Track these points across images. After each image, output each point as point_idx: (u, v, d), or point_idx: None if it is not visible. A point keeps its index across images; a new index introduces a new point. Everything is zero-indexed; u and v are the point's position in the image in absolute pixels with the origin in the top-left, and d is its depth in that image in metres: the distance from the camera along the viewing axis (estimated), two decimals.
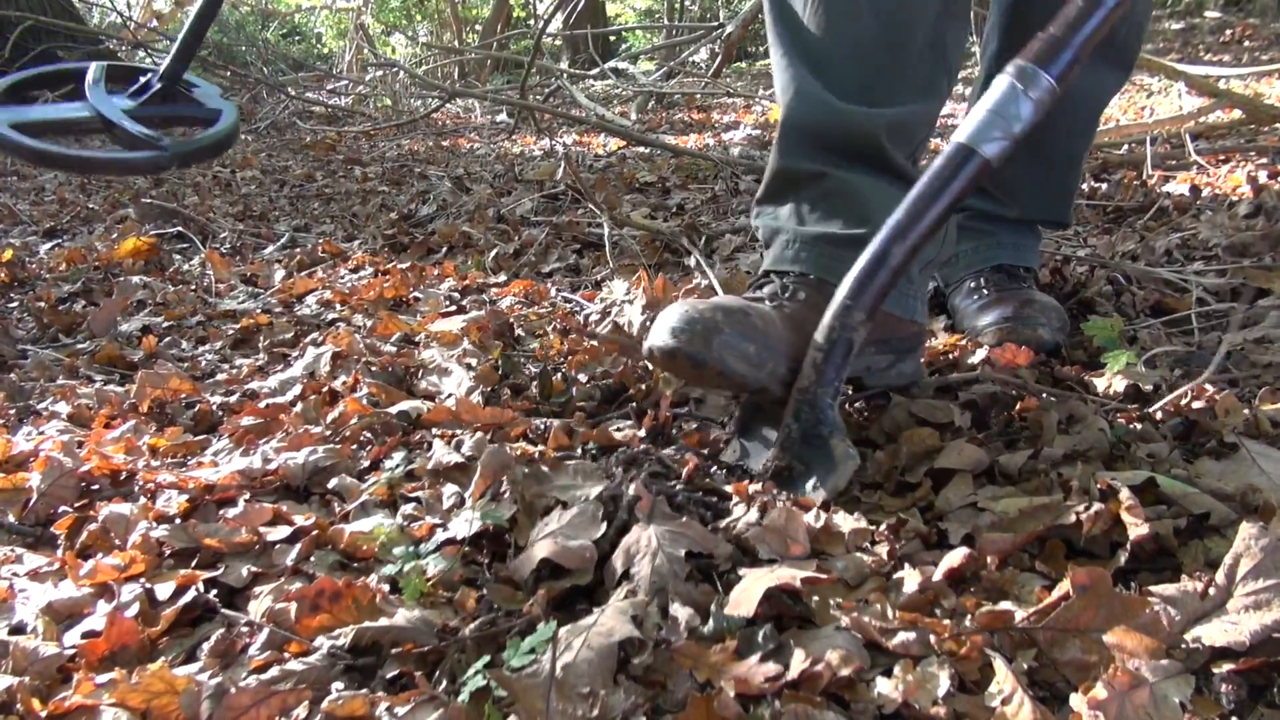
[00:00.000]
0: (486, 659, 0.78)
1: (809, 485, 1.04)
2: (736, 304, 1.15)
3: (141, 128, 1.45)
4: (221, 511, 1.09)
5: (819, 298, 1.19)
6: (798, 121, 1.27)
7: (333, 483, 1.16)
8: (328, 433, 1.30)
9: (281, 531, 1.04)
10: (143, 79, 1.60)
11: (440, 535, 1.00)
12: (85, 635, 0.86)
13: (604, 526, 0.95)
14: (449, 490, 1.10)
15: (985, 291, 1.56)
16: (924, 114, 1.30)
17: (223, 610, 0.90)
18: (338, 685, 0.78)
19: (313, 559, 1.00)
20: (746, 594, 0.83)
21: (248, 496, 1.14)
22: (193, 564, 1.00)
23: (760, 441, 1.15)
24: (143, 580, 0.95)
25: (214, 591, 0.95)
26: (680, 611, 0.82)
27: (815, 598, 0.85)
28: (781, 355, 1.12)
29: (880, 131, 1.24)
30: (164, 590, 0.93)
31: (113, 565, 0.96)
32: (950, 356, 1.44)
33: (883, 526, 0.96)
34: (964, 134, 1.06)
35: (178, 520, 1.08)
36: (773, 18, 1.29)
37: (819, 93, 1.23)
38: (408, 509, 1.08)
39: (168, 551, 1.02)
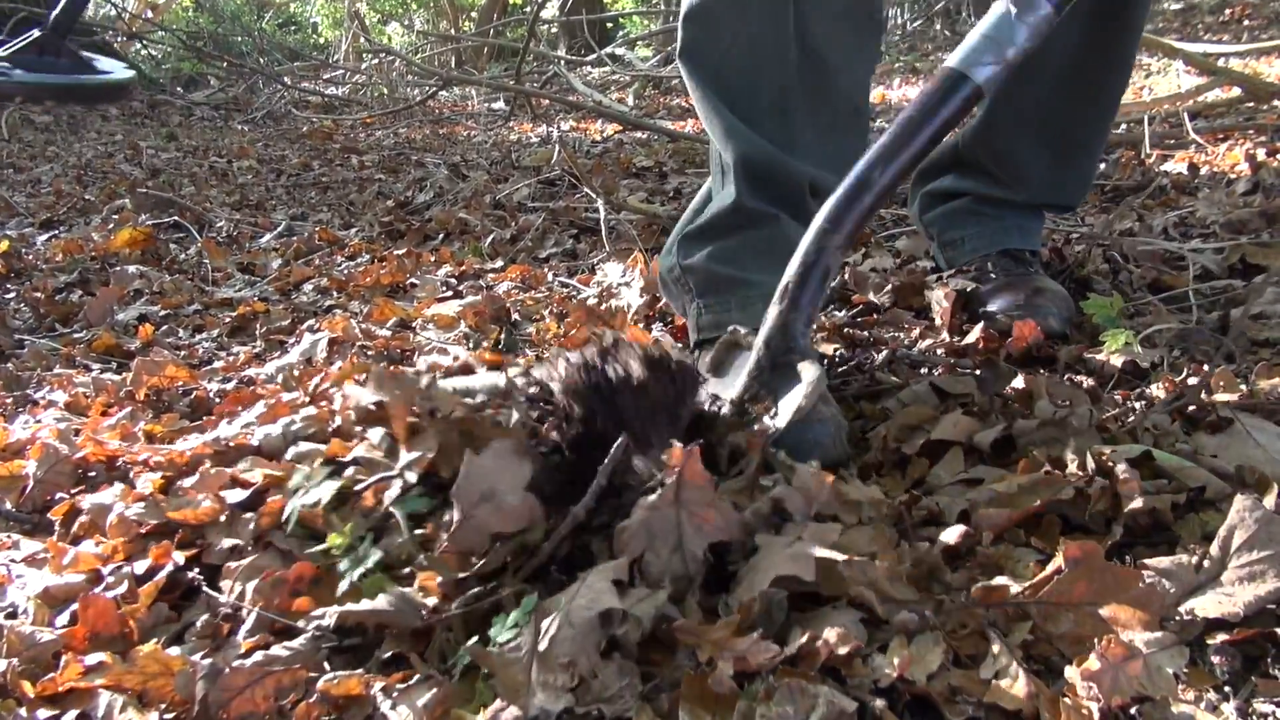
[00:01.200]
0: (475, 638, 0.78)
1: (770, 415, 0.99)
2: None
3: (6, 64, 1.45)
4: (179, 482, 1.07)
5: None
6: (750, 165, 1.28)
7: (290, 452, 1.12)
8: (306, 399, 1.28)
9: (239, 495, 1.02)
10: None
11: (392, 489, 0.96)
12: (69, 620, 0.85)
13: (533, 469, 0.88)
14: (376, 435, 1.04)
15: (993, 276, 1.56)
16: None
17: (206, 590, 0.89)
18: (333, 665, 0.78)
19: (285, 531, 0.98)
20: (758, 577, 0.82)
21: (207, 464, 1.11)
22: (173, 542, 0.99)
23: (732, 378, 1.11)
24: (124, 563, 0.94)
25: (195, 570, 0.94)
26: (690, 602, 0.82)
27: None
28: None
29: (806, 184, 1.27)
30: (139, 568, 0.92)
31: (94, 553, 0.96)
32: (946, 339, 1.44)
33: (897, 501, 0.95)
34: (956, 59, 1.03)
35: (154, 498, 1.06)
36: (685, 49, 1.32)
37: (756, 139, 1.26)
38: (350, 471, 1.02)
39: (145, 532, 1.00)
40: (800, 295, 1.02)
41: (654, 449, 0.91)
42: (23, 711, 0.74)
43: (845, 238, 1.02)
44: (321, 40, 11.45)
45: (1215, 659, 0.73)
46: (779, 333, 1.03)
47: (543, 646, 0.73)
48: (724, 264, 1.32)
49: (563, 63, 6.93)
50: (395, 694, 0.73)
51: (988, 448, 1.05)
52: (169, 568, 0.92)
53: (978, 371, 1.25)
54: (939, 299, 1.51)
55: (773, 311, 1.03)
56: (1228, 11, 6.71)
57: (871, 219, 1.04)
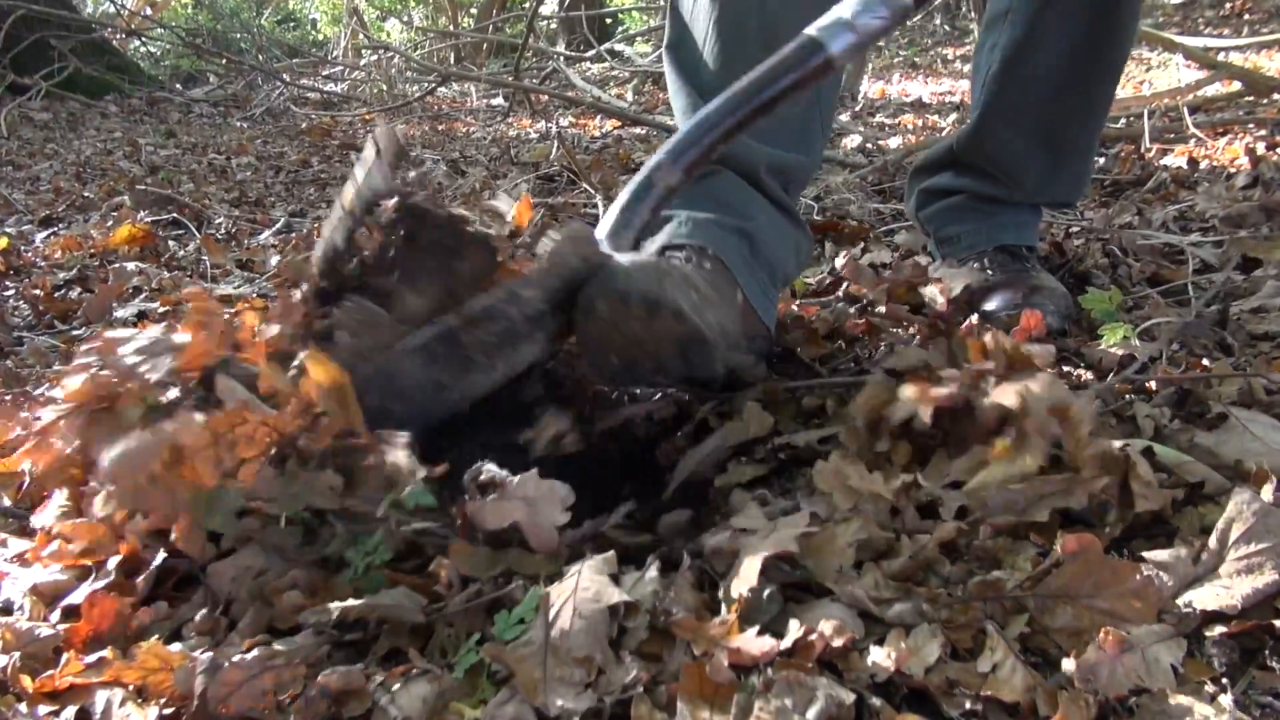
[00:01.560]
0: (478, 636, 0.78)
1: None
2: (661, 259, 1.17)
3: None
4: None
5: (721, 273, 1.23)
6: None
7: None
8: None
9: None
10: None
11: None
12: (65, 616, 0.85)
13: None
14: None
15: (990, 273, 1.56)
16: (799, 164, 1.39)
17: (205, 583, 0.89)
18: (332, 660, 0.78)
19: None
20: (746, 569, 0.83)
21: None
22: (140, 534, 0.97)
23: None
24: (98, 558, 0.94)
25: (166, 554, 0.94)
26: (687, 592, 0.82)
27: (812, 564, 0.85)
28: (714, 309, 1.09)
29: (760, 164, 1.33)
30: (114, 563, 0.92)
31: (71, 549, 0.95)
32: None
33: (893, 487, 0.95)
34: (815, 28, 1.10)
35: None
36: (671, 44, 1.39)
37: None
38: None
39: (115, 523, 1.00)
40: (628, 214, 1.10)
41: (421, 291, 0.99)
42: (22, 707, 0.74)
43: (681, 171, 1.11)
44: (320, 37, 11.45)
45: (1213, 651, 0.73)
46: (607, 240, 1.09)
47: (555, 640, 0.73)
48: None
49: (562, 58, 6.92)
50: (394, 688, 0.74)
51: (939, 405, 1.03)
52: (158, 560, 0.91)
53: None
54: (934, 294, 1.50)
55: (603, 228, 1.10)
56: (1228, 5, 6.71)
57: (710, 157, 1.14)
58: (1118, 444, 0.95)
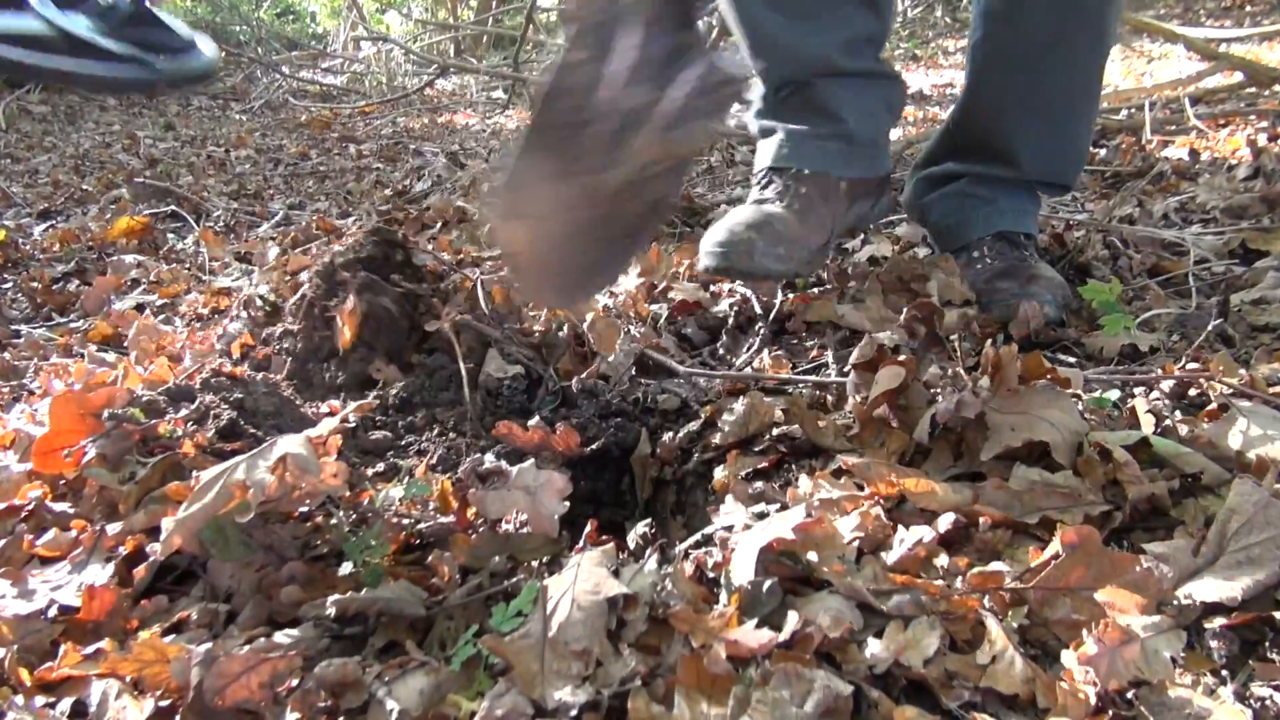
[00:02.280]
0: (475, 627, 0.78)
1: None
2: (759, 216, 1.44)
3: (125, 45, 1.45)
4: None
5: (816, 188, 1.49)
6: (770, 44, 1.55)
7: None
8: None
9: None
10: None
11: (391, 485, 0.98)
12: (63, 610, 0.85)
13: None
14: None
15: (988, 260, 1.55)
16: (871, 25, 1.57)
17: (205, 578, 0.89)
18: (330, 653, 0.78)
19: None
20: (744, 558, 0.83)
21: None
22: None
23: None
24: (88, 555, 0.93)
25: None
26: (686, 584, 0.82)
27: (812, 556, 0.84)
28: (802, 246, 1.43)
29: (832, 52, 1.52)
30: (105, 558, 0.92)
31: (65, 540, 0.95)
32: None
33: (867, 490, 0.95)
34: None
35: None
36: None
37: (774, 18, 1.51)
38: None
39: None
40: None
41: None
42: (19, 699, 0.74)
43: None
44: (320, 29, 11.41)
45: (1213, 643, 0.72)
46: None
47: (553, 633, 0.73)
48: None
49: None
50: (391, 680, 0.73)
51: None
52: (159, 554, 0.91)
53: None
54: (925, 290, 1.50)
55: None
56: None
57: None
58: (1102, 435, 0.95)
